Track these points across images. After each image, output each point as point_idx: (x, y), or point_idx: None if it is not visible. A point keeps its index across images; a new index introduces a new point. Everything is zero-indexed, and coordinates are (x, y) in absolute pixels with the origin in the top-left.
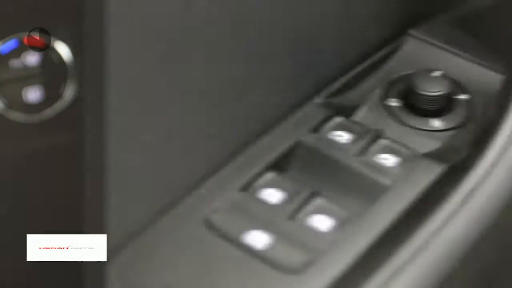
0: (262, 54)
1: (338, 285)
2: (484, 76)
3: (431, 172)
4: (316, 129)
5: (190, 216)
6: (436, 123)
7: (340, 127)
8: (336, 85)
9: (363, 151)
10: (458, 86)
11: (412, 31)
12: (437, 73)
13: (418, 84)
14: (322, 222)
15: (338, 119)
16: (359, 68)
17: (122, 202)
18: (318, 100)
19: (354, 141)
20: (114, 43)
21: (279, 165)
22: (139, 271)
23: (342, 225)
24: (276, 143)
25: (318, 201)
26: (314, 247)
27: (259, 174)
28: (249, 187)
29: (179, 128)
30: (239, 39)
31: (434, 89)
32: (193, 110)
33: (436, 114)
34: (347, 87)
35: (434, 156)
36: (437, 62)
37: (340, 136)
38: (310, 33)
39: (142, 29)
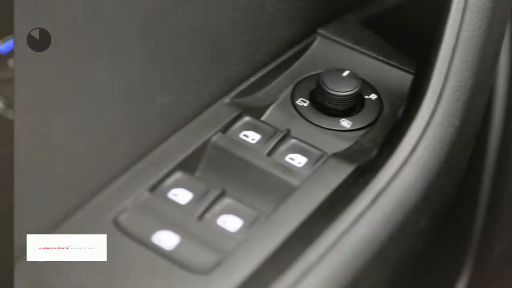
0: (169, 54)
1: (246, 286)
2: (393, 76)
3: (340, 172)
4: (225, 129)
5: (98, 217)
6: (345, 123)
7: (249, 127)
8: (246, 84)
9: (272, 151)
10: (367, 85)
11: (321, 30)
12: (346, 73)
13: (327, 83)
14: (230, 222)
15: (247, 119)
16: (268, 68)
17: (29, 203)
18: (227, 100)
19: (263, 141)
20: (20, 42)
21: (188, 165)
22: (47, 271)
23: (250, 225)
24: (185, 143)
25: (227, 201)
26: (223, 247)
27: (168, 174)
28: (157, 187)
29: (87, 128)
30: (147, 40)
31: (343, 89)
32: (101, 110)
33: (345, 114)
34: (256, 86)
35: (343, 156)
36: (346, 61)
37: (249, 136)
38: (217, 33)
39: (49, 28)
